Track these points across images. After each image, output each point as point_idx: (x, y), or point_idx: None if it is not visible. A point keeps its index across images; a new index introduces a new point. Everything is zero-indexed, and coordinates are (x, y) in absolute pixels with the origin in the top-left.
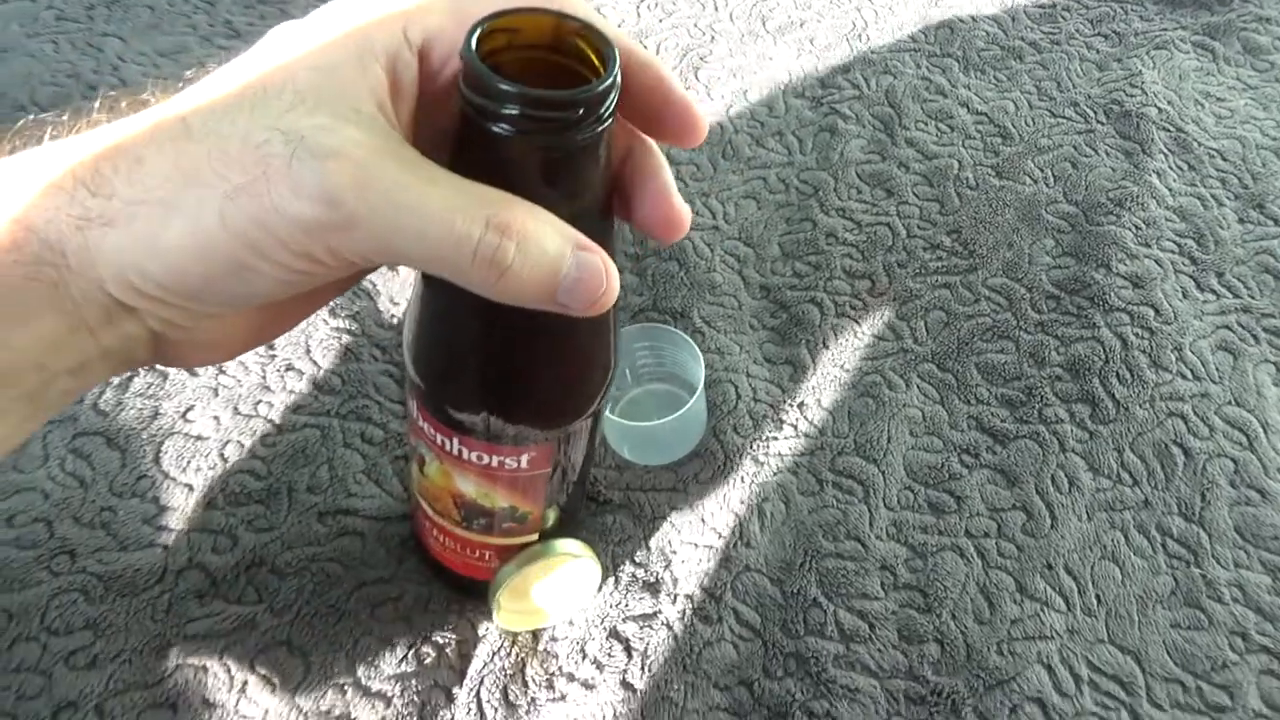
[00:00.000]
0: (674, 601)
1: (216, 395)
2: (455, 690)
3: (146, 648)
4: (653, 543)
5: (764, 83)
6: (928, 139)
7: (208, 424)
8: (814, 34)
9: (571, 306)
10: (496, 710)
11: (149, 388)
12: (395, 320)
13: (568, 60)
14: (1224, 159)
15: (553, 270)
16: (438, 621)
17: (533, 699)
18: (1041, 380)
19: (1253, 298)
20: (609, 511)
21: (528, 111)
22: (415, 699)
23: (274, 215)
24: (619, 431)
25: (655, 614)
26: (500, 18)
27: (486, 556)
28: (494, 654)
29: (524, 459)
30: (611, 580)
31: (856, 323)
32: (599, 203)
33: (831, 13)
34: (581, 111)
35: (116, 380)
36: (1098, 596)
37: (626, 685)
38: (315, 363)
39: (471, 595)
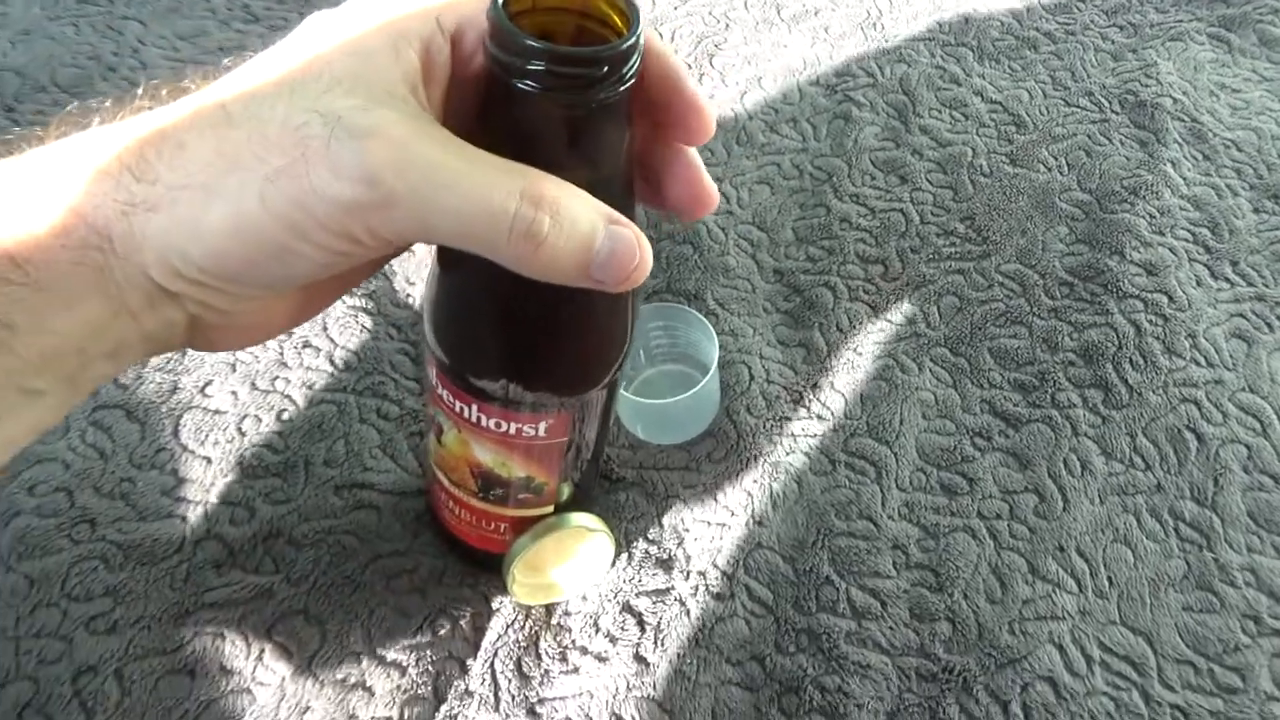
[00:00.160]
0: (687, 578)
1: (234, 371)
2: (469, 661)
3: (165, 615)
4: (666, 520)
5: (778, 70)
6: (942, 126)
7: (226, 399)
8: (829, 22)
9: (605, 281)
10: (510, 681)
11: (168, 362)
12: (411, 299)
13: (591, 22)
14: (1239, 149)
15: (586, 243)
16: (452, 594)
17: (546, 671)
18: (1054, 365)
19: (1267, 286)
20: (622, 489)
21: (553, 68)
22: (430, 669)
23: (313, 196)
24: (633, 410)
25: (668, 589)
26: None
27: (501, 529)
28: (508, 626)
29: (541, 427)
30: (625, 556)
31: (870, 307)
32: (623, 170)
33: (846, 1)
34: (605, 69)
35: None
36: (1109, 579)
37: (639, 659)
38: (332, 340)
39: (486, 569)
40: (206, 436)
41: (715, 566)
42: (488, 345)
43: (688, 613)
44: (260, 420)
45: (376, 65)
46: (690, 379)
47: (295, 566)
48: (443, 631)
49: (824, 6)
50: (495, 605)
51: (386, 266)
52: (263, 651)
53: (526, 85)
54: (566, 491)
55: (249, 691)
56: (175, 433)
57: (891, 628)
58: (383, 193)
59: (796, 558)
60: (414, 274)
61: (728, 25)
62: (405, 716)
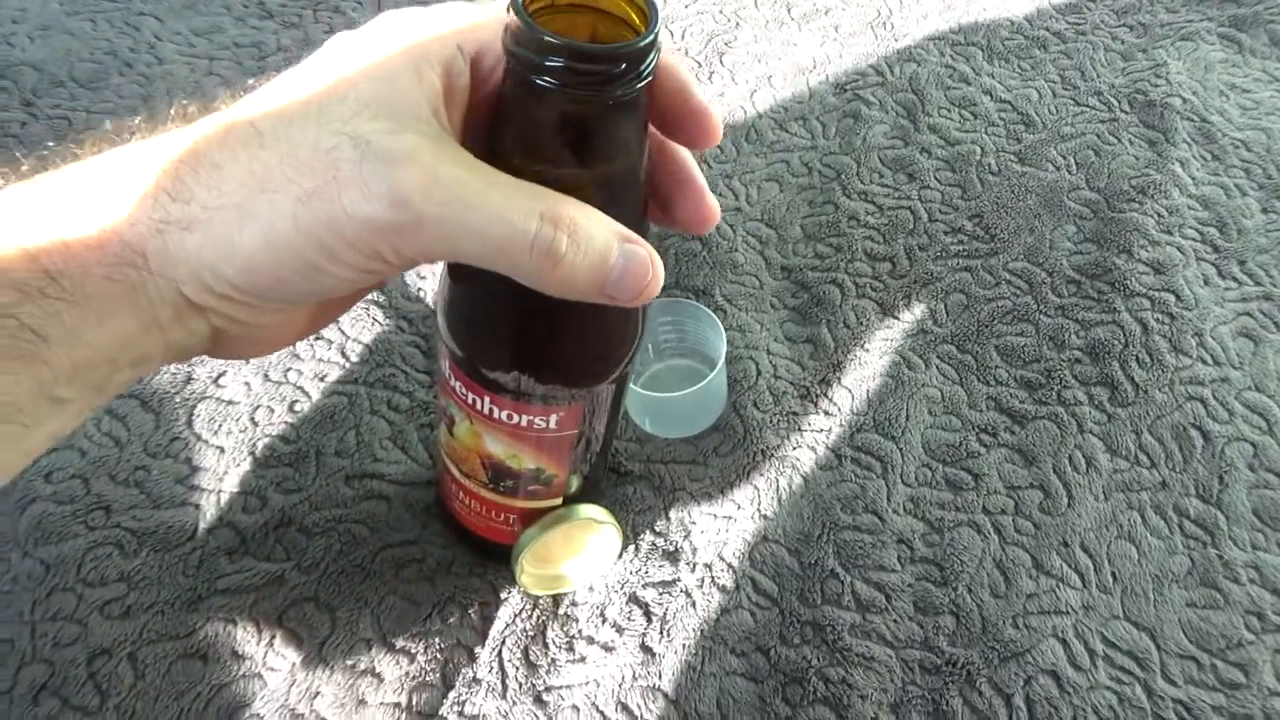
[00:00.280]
0: (693, 570)
1: (247, 362)
2: (477, 650)
3: (178, 600)
4: (672, 513)
5: (788, 68)
6: (950, 125)
7: (239, 389)
8: (839, 21)
9: (619, 297)
10: (518, 669)
11: None
12: (422, 293)
13: (610, 20)
14: (1248, 149)
15: (602, 260)
16: (460, 583)
17: (553, 660)
18: (1061, 363)
19: (1274, 285)
20: (630, 482)
21: (573, 64)
22: (438, 656)
23: (344, 217)
24: (641, 403)
25: (674, 581)
26: None
27: (510, 520)
28: (516, 616)
29: (552, 419)
30: (632, 548)
31: (877, 304)
32: (639, 166)
33: (856, 0)
34: (624, 65)
35: None
36: (1113, 574)
37: (645, 649)
38: (344, 332)
39: (494, 559)
40: (220, 426)
41: (721, 559)
42: (501, 338)
43: (693, 604)
44: (273, 411)
45: (401, 88)
46: (698, 374)
47: (306, 554)
48: (451, 620)
49: (834, 5)
50: (503, 595)
51: None
52: (274, 637)
53: (546, 82)
54: (575, 484)
55: (260, 676)
56: (189, 422)
57: (896, 621)
58: (412, 215)
59: (802, 551)
60: (425, 268)
61: (738, 24)
62: (414, 702)
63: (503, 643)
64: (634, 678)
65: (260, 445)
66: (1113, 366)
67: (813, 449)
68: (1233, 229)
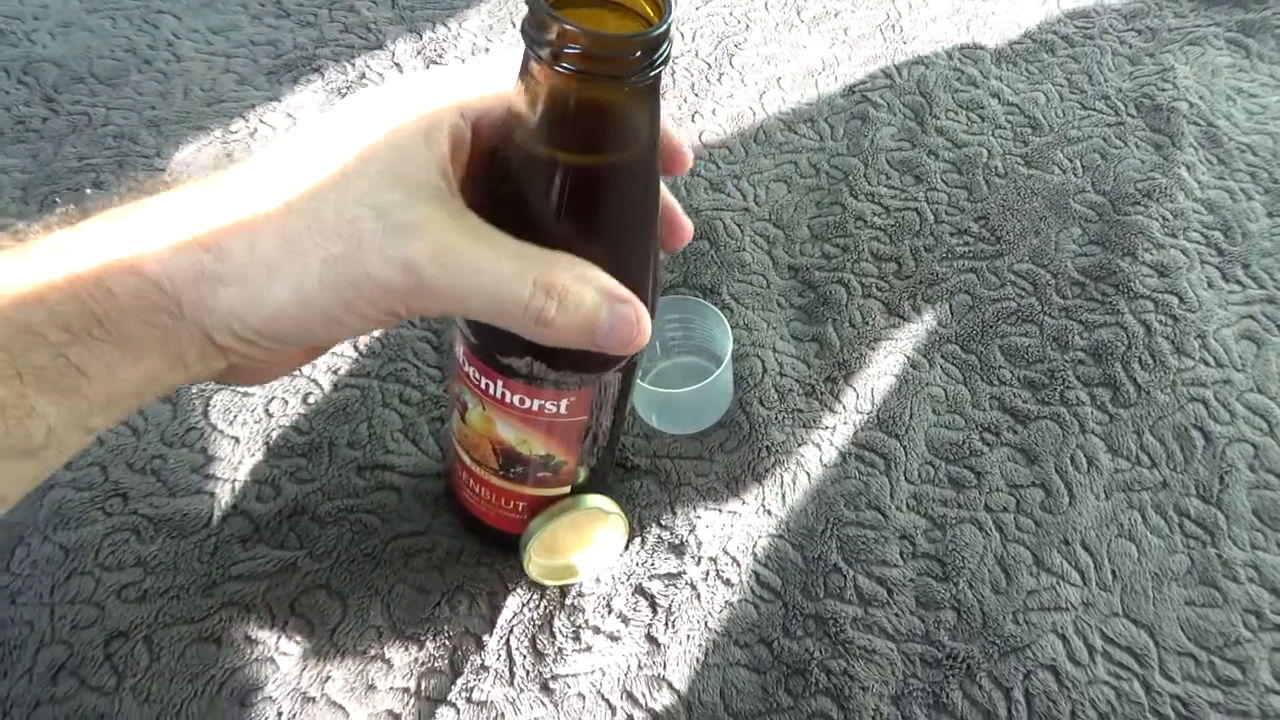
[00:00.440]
0: (698, 563)
1: None
2: (485, 638)
3: (193, 586)
4: (678, 507)
5: (797, 70)
6: (958, 128)
7: None
8: (848, 24)
9: (608, 349)
10: (525, 657)
11: None
12: None
13: (623, 12)
14: (1254, 154)
15: (589, 323)
16: (469, 573)
17: (560, 648)
18: (1064, 363)
19: (1278, 289)
20: (636, 477)
21: (589, 50)
22: (447, 643)
23: (366, 279)
24: (647, 399)
25: (680, 574)
26: None
27: (519, 508)
28: (523, 605)
29: (563, 404)
30: (638, 541)
31: (883, 303)
32: (653, 151)
33: (866, 3)
34: (639, 52)
35: None
36: (1113, 572)
37: (651, 639)
38: None
39: (502, 549)
40: (235, 417)
41: (726, 553)
42: None
43: (698, 596)
44: (287, 403)
45: (413, 157)
46: (705, 371)
47: (318, 543)
48: (460, 608)
49: (844, 8)
50: (511, 585)
51: None
52: (286, 623)
53: (564, 68)
54: (583, 474)
55: (272, 660)
56: (205, 413)
57: (897, 615)
58: (424, 280)
59: (805, 546)
60: None
61: (748, 26)
62: (423, 688)
63: (510, 631)
64: (639, 667)
65: (274, 436)
66: (1115, 367)
67: (817, 446)
68: (1237, 233)
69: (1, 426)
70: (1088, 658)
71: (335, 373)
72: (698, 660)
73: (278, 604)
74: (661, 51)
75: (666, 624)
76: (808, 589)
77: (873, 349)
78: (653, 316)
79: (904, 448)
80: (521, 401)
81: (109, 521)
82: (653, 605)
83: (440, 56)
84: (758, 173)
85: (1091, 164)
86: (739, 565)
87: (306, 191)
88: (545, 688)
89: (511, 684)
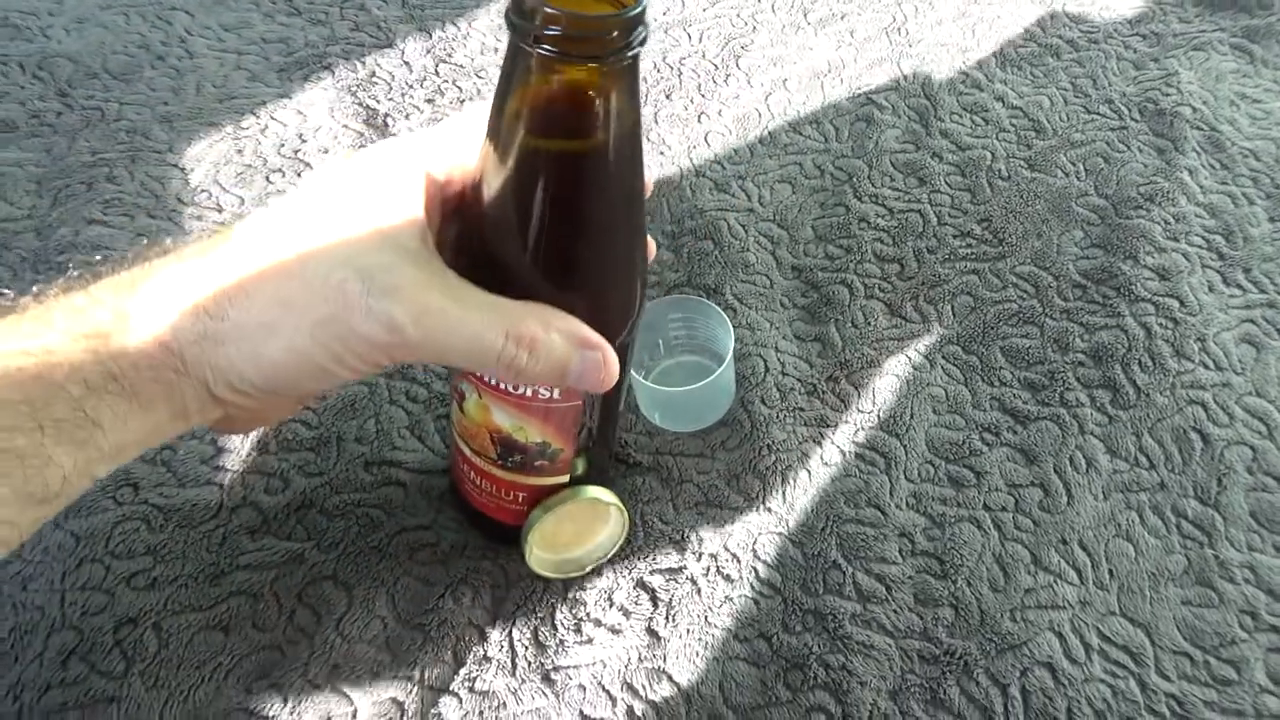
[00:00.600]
0: (699, 558)
1: None
2: (488, 629)
3: (202, 575)
4: (680, 503)
5: (803, 72)
6: (962, 131)
7: None
8: (854, 26)
9: (579, 389)
10: (527, 648)
11: None
12: None
13: (602, 4)
14: (1257, 159)
15: (559, 369)
16: (472, 566)
17: (561, 640)
18: (1064, 365)
19: (1278, 294)
20: (639, 473)
21: (569, 31)
22: (450, 634)
23: (353, 335)
24: (650, 397)
25: (681, 568)
26: None
27: (520, 499)
28: (526, 598)
29: (556, 389)
30: (640, 536)
31: (885, 304)
32: (634, 136)
33: (872, 6)
34: (616, 32)
35: None
36: (1110, 571)
37: (651, 632)
38: None
39: (505, 542)
40: None
41: (726, 549)
42: None
43: (699, 591)
44: None
45: (393, 221)
46: (707, 370)
47: (326, 535)
48: (463, 600)
49: (850, 11)
50: (514, 578)
51: None
52: (293, 612)
53: (544, 50)
54: (581, 465)
55: (279, 649)
56: None
57: (896, 611)
58: (405, 338)
59: (805, 542)
60: None
61: (755, 27)
62: (426, 677)
63: (513, 623)
64: (640, 660)
65: (283, 430)
66: (1115, 370)
67: (818, 443)
68: (1239, 237)
69: (21, 475)
70: (1084, 656)
71: None
72: (698, 654)
73: (285, 594)
74: (638, 33)
75: (667, 618)
76: (807, 585)
77: (875, 349)
78: (641, 305)
79: (904, 447)
80: (515, 387)
81: (119, 510)
82: (654, 599)
83: (449, 55)
84: (763, 173)
85: (1094, 167)
86: (739, 561)
87: (298, 256)
88: (547, 678)
89: (513, 674)
